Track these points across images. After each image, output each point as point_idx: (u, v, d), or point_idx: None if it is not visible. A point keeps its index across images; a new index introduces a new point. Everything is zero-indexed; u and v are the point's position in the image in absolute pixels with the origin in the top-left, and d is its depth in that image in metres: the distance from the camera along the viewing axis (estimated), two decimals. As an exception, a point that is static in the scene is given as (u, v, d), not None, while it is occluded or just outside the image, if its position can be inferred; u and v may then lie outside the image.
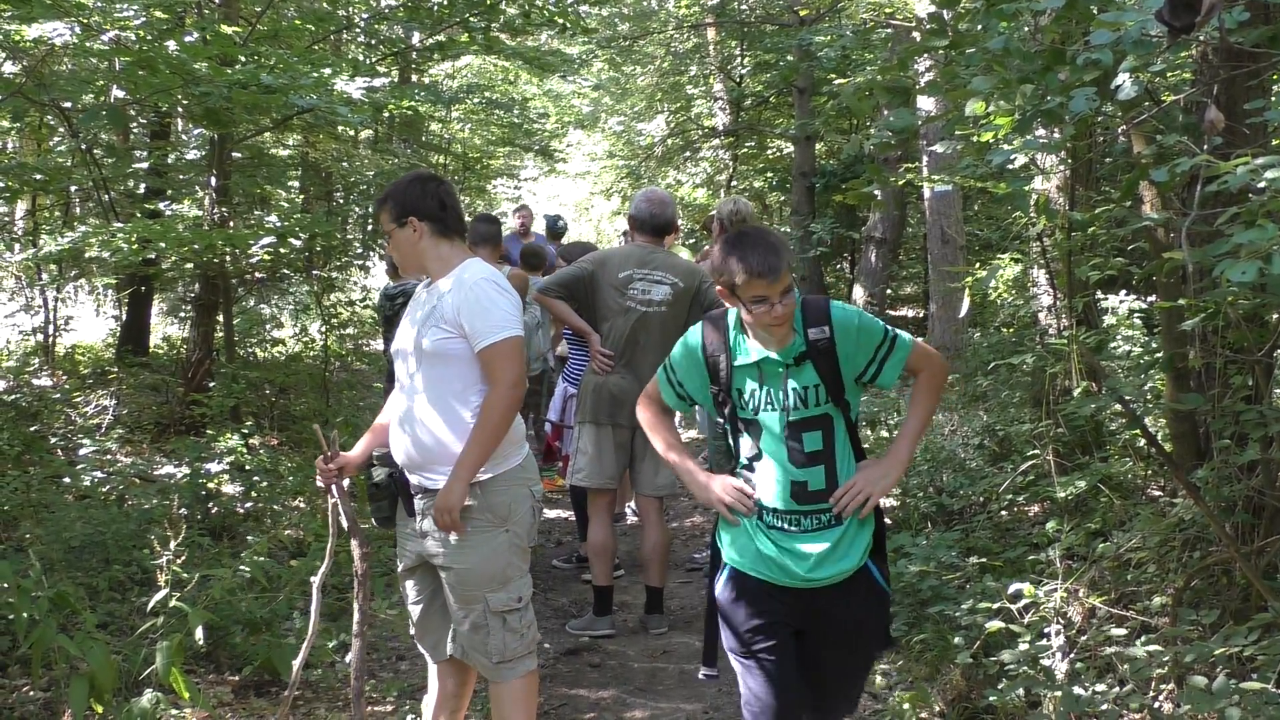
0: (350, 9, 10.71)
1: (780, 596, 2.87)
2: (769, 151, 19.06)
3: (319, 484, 3.55)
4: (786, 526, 2.85)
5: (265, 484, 6.30)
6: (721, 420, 2.97)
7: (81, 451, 6.67)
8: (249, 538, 5.46)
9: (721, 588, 2.96)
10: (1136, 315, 5.77)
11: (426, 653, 3.55)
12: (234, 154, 8.77)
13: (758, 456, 2.89)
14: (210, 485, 6.03)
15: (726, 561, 2.95)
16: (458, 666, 3.50)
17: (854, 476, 2.85)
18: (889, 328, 2.88)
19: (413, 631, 3.57)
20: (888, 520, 6.10)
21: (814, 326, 2.81)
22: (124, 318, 10.53)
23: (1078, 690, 3.41)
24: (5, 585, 4.11)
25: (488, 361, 3.19)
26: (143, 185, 9.48)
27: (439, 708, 3.57)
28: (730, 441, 2.99)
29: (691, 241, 15.59)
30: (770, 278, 2.70)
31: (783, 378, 2.82)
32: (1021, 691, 3.61)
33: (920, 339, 2.91)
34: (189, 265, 8.72)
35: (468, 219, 6.34)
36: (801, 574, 2.83)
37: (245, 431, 7.06)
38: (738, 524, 2.90)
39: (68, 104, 7.57)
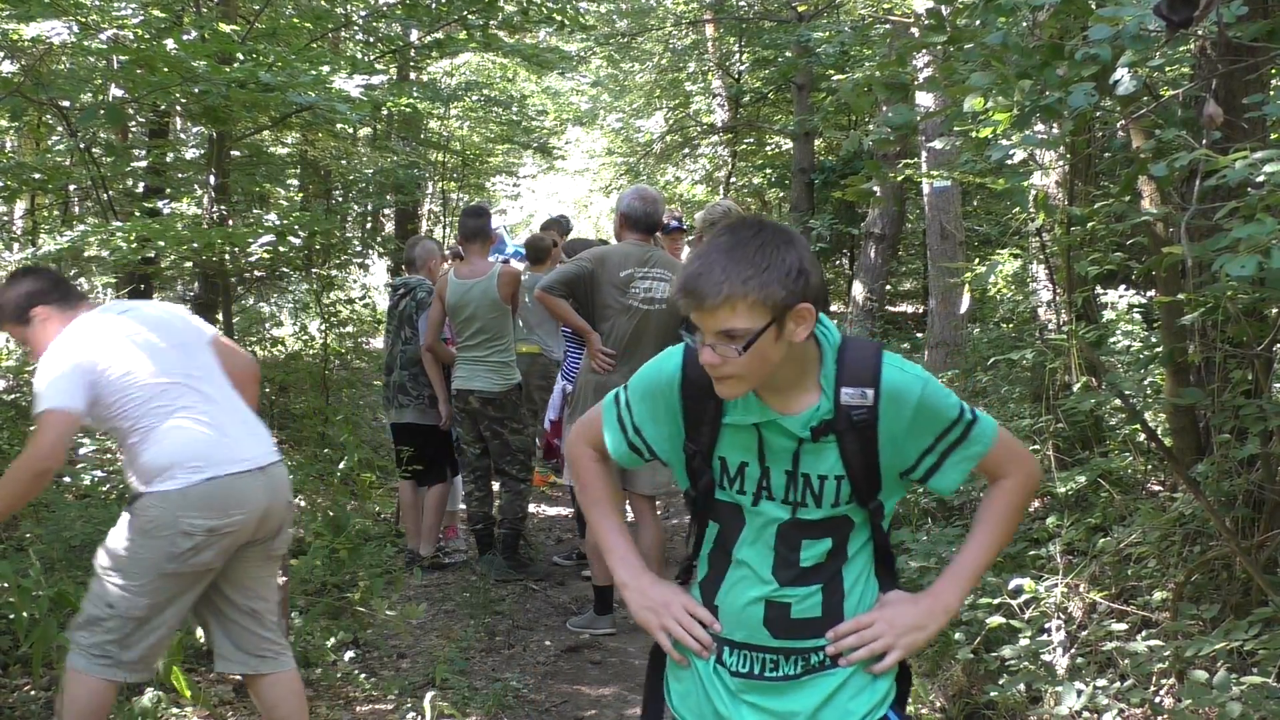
0: (348, 6, 10.71)
1: None
2: (768, 148, 19.08)
3: None
4: (755, 671, 1.95)
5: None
6: (690, 492, 2.04)
7: (81, 450, 6.66)
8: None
9: None
10: (1136, 310, 5.77)
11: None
12: (233, 152, 8.77)
13: (726, 559, 1.98)
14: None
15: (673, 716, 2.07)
16: (251, 681, 3.39)
17: (873, 613, 1.94)
18: (966, 406, 1.93)
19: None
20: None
21: (851, 386, 1.88)
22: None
23: (1078, 685, 3.41)
24: (6, 585, 4.12)
25: None
26: (141, 184, 9.48)
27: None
28: (693, 526, 2.09)
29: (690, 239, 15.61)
30: (694, 301, 1.79)
31: (791, 457, 1.91)
32: (1022, 687, 3.62)
33: (1003, 428, 1.99)
34: (188, 264, 8.74)
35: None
36: None
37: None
38: (685, 663, 2.02)
39: (66, 103, 7.56)
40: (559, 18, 9.93)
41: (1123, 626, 3.73)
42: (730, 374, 1.82)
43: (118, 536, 3.12)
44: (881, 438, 1.89)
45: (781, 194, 18.81)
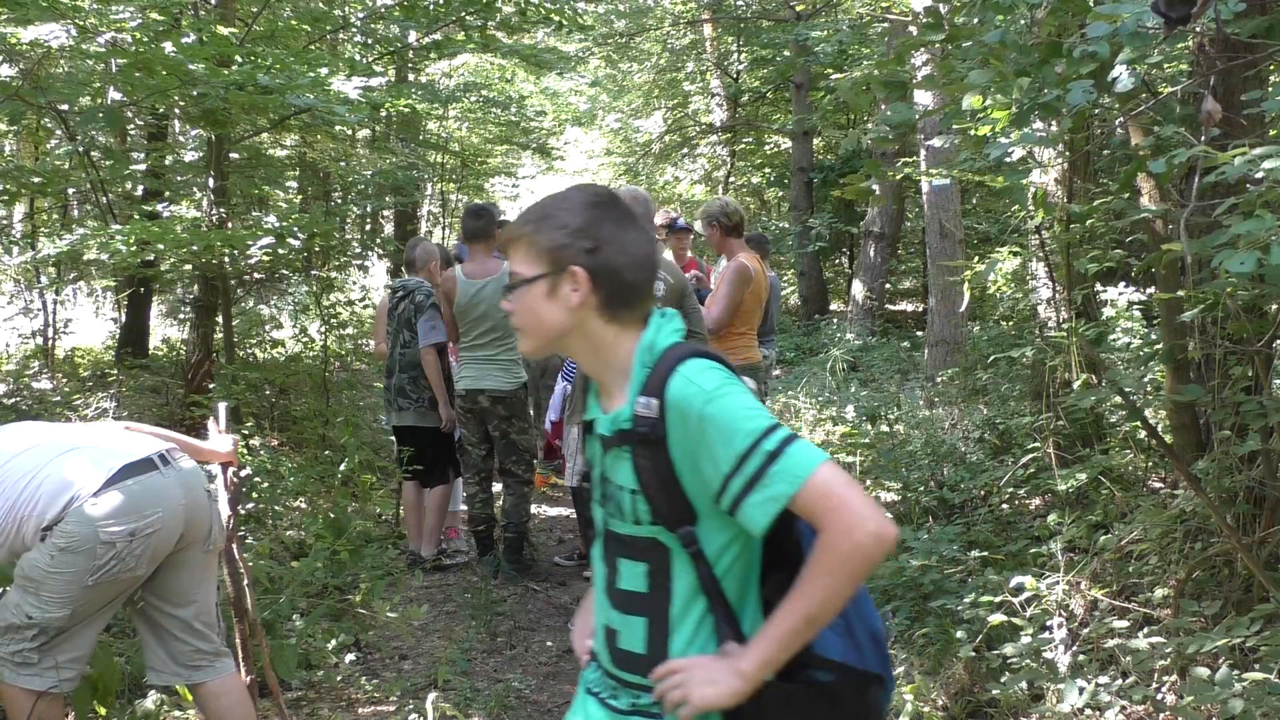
0: (346, 8, 10.71)
1: None
2: (766, 147, 19.09)
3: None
4: (601, 694, 1.85)
5: (266, 485, 6.31)
6: None
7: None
8: (249, 539, 5.47)
9: None
10: (1136, 307, 5.78)
11: None
12: (232, 155, 8.76)
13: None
14: (210, 487, 6.03)
15: None
16: (193, 691, 3.35)
17: (692, 659, 1.71)
18: (771, 433, 1.61)
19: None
20: (888, 514, 6.11)
21: (645, 395, 1.70)
22: (123, 320, 10.54)
23: (1080, 683, 3.41)
24: (6, 590, 4.11)
25: None
26: (140, 187, 9.48)
27: None
28: None
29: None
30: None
31: (601, 458, 1.81)
32: (1024, 684, 3.62)
33: (834, 469, 1.62)
34: (188, 266, 8.73)
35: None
36: None
37: (245, 432, 7.05)
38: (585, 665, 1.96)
39: (65, 106, 7.56)
40: (557, 18, 9.93)
41: (1124, 623, 3.73)
42: (516, 324, 1.81)
43: (39, 551, 3.04)
44: (675, 456, 1.68)
45: (780, 193, 18.83)
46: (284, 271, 11.76)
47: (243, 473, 3.66)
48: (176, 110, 8.76)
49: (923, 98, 8.83)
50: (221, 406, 3.76)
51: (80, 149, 8.04)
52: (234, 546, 3.55)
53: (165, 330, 12.68)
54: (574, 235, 1.73)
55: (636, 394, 1.72)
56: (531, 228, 1.76)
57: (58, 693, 3.12)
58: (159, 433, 3.42)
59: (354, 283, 14.60)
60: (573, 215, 1.75)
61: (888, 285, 15.32)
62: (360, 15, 10.55)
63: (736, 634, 1.71)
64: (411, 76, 15.54)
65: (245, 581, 3.61)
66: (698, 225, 7.27)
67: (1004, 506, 5.56)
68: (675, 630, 1.74)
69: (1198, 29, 3.26)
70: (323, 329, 9.17)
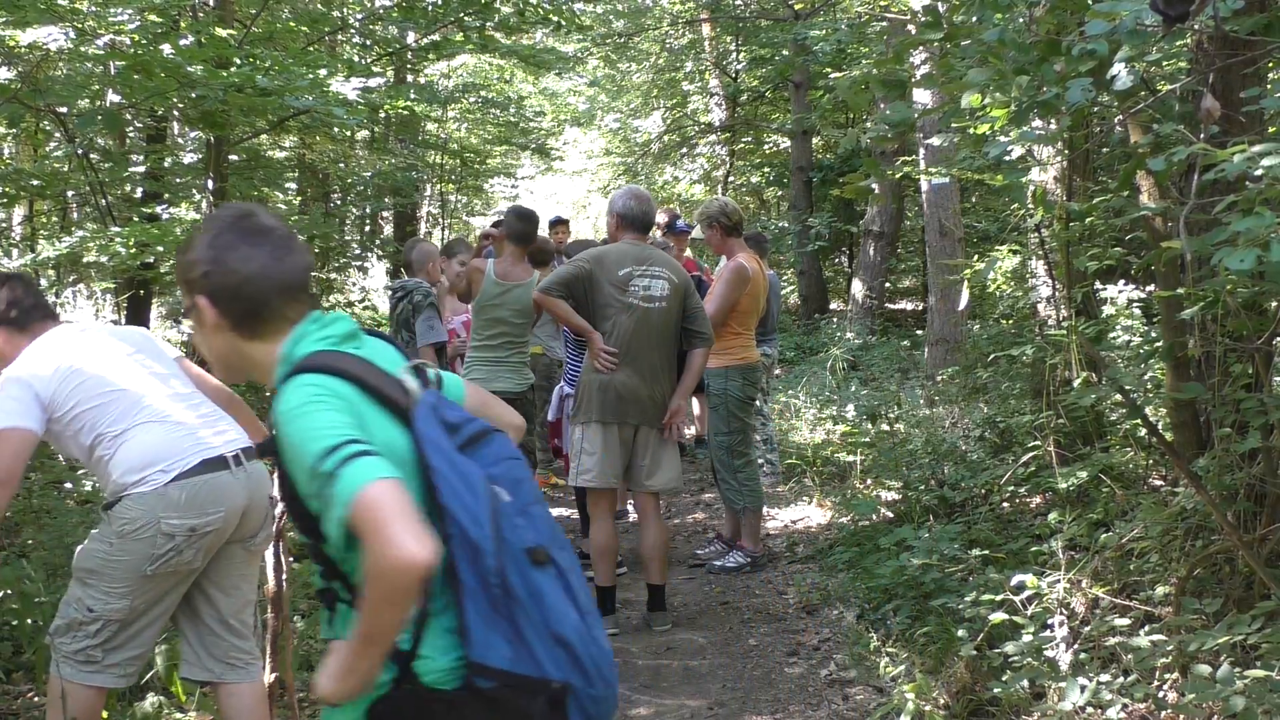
0: (345, 10, 10.72)
1: None
2: (766, 146, 19.10)
3: None
4: None
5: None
6: None
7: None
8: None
9: None
10: (1136, 305, 5.77)
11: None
12: (231, 156, 8.76)
13: None
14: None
15: None
16: (215, 688, 3.38)
17: (337, 645, 1.77)
18: (332, 453, 1.60)
19: None
20: (889, 513, 6.14)
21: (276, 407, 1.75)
22: (123, 322, 10.54)
23: (1082, 681, 3.41)
24: (8, 592, 4.12)
25: None
26: (140, 189, 9.48)
27: None
28: None
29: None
30: None
31: None
32: (1026, 683, 3.62)
33: (383, 489, 1.57)
34: (187, 269, 8.72)
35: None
36: None
37: (246, 434, 7.03)
38: None
39: (63, 109, 7.56)
40: (555, 18, 9.94)
41: (1125, 621, 3.72)
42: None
43: (96, 541, 3.09)
44: (290, 470, 1.72)
45: (780, 192, 18.83)
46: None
47: None
48: (175, 112, 8.77)
49: (921, 96, 8.83)
50: None
51: (79, 151, 8.04)
52: (280, 543, 3.56)
53: (165, 332, 12.68)
54: (191, 265, 1.80)
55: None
56: (178, 263, 1.83)
57: (106, 689, 3.16)
58: (246, 417, 3.43)
59: (353, 284, 14.60)
60: (194, 245, 1.81)
61: (887, 284, 15.32)
62: (359, 16, 10.56)
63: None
64: (410, 77, 15.53)
65: (286, 577, 3.62)
66: (696, 229, 7.27)
67: (1004, 505, 5.56)
68: (337, 626, 1.80)
69: (1196, 26, 3.26)
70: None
